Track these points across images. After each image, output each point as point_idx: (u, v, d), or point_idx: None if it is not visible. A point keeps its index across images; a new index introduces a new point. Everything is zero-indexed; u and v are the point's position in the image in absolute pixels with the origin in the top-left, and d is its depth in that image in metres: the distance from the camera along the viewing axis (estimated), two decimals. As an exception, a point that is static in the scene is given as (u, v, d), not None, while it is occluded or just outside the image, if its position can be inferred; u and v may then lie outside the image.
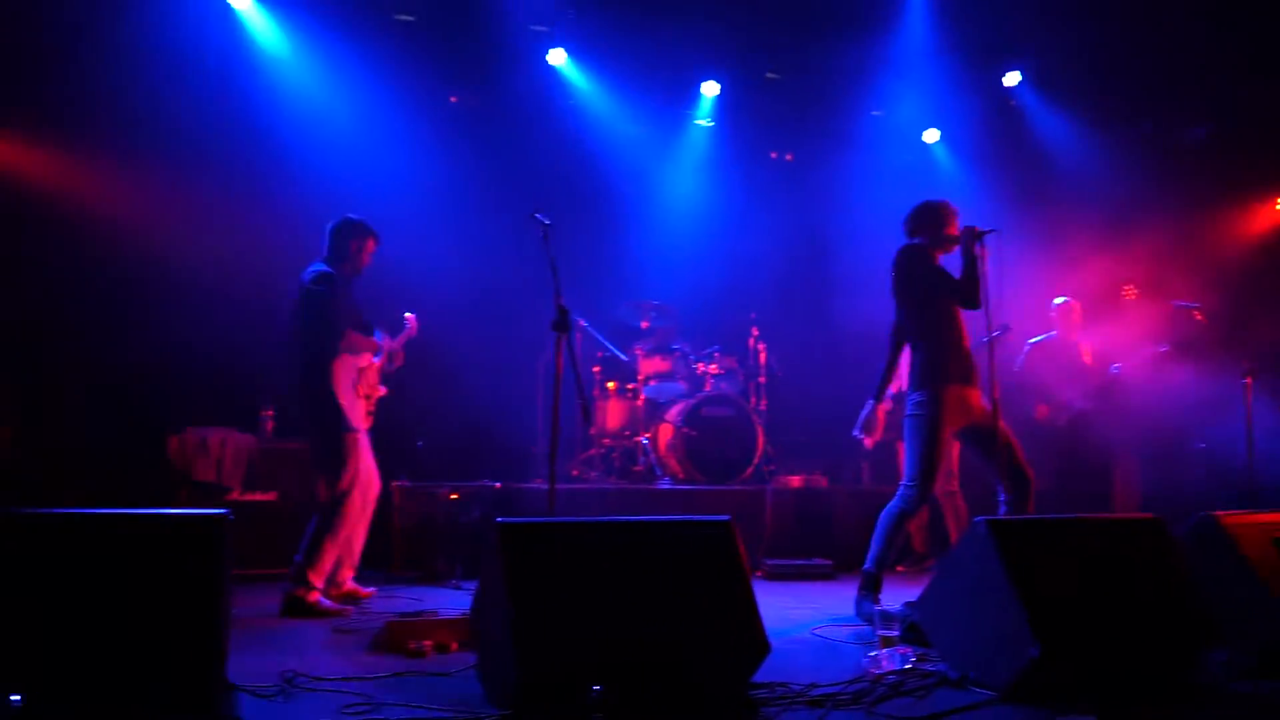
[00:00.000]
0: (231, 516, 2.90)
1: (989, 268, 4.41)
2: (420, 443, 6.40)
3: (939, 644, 3.49)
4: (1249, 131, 7.93)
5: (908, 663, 3.40)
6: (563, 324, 4.19)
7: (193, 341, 5.99)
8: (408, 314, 5.32)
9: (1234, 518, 3.71)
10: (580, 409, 4.08)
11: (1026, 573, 3.20)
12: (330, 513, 4.65)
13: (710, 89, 8.36)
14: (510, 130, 7.95)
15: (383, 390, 5.10)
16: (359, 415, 4.81)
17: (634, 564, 3.10)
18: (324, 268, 4.81)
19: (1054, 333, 7.14)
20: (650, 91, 8.19)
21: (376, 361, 5.00)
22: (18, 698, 2.54)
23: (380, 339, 5.05)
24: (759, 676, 3.19)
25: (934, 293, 4.56)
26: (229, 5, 6.75)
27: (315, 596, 4.58)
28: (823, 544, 6.41)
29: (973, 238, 4.46)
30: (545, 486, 6.00)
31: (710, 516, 3.32)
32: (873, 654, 3.46)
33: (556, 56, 7.81)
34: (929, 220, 4.67)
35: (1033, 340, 7.11)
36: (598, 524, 3.20)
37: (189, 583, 2.78)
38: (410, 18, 7.28)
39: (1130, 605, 3.32)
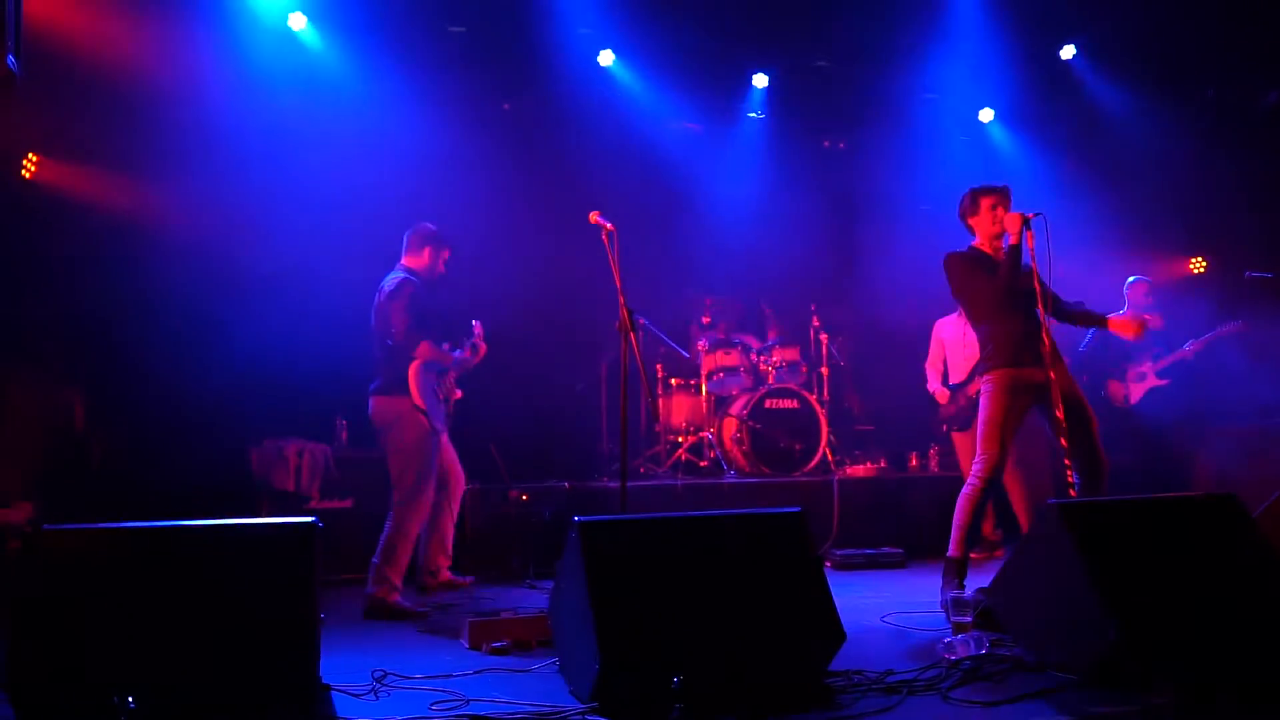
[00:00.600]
0: (320, 524, 3.04)
1: (1039, 250, 4.41)
2: (491, 446, 6.52)
3: (1013, 629, 3.49)
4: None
5: (982, 648, 3.41)
6: (629, 325, 4.25)
7: (269, 355, 6.18)
8: (475, 321, 5.41)
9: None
10: (649, 407, 4.13)
11: (1101, 555, 3.19)
12: (404, 513, 4.77)
13: (760, 81, 8.36)
14: (564, 133, 8.03)
15: (458, 393, 5.23)
16: (439, 418, 4.93)
17: (709, 557, 3.17)
18: (403, 274, 4.98)
19: (1123, 311, 7.02)
20: (700, 87, 8.18)
21: (460, 355, 5.14)
22: (131, 700, 2.69)
23: (458, 354, 5.16)
24: (834, 665, 3.23)
25: (975, 295, 4.69)
26: (289, 30, 6.96)
27: (395, 598, 4.72)
28: (892, 532, 6.39)
29: (1017, 226, 4.47)
30: (613, 485, 6.10)
31: (781, 508, 3.37)
32: (947, 640, 3.47)
33: (605, 58, 7.87)
34: (967, 212, 4.79)
35: (1099, 320, 6.99)
36: (673, 519, 3.27)
37: (284, 587, 2.94)
38: (461, 29, 7.41)
39: (1209, 585, 3.28)
